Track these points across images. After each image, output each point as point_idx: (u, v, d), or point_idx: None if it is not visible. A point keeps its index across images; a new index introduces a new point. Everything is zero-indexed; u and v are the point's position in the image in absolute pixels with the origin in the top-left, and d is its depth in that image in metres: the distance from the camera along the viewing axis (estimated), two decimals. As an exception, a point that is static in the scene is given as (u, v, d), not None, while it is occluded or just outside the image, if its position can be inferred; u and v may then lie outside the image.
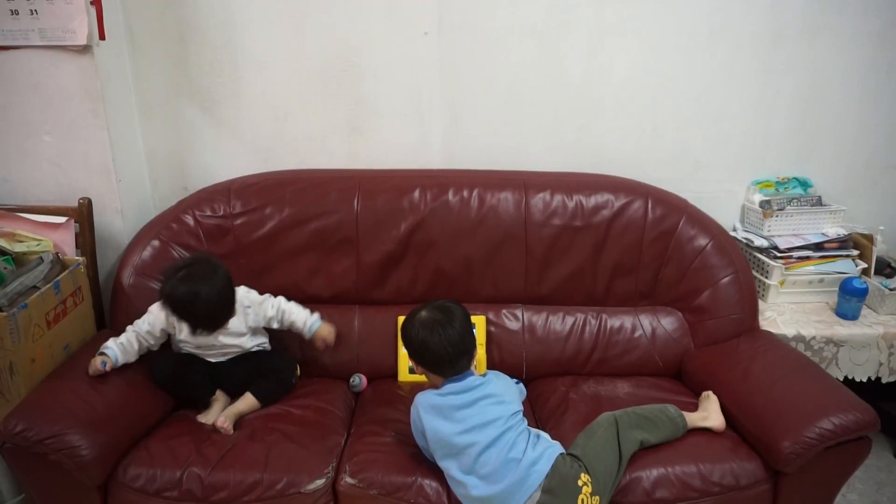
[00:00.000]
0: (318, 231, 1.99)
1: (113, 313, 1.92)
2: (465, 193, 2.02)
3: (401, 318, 1.97)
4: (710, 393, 1.70)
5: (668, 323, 2.03)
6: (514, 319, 2.03)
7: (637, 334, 2.02)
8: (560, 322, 2.03)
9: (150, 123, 2.12)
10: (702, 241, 2.01)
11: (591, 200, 2.03)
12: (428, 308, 1.61)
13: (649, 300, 2.06)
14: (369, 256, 2.00)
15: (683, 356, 1.99)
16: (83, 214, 1.89)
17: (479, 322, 2.00)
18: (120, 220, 2.02)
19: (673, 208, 2.04)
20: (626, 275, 2.04)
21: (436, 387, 1.60)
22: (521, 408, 1.58)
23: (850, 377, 2.00)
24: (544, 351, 2.00)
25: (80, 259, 1.82)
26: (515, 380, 1.76)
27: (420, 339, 1.56)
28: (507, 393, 1.58)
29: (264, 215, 1.99)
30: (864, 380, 2.00)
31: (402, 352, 1.98)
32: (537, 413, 1.81)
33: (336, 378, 1.97)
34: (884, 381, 2.02)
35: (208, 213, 2.00)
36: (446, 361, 1.57)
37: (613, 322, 2.04)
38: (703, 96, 2.15)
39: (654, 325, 2.03)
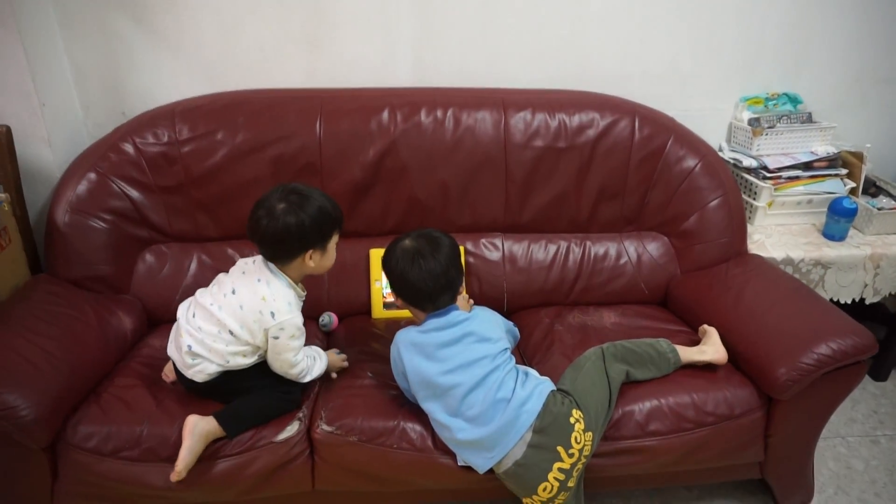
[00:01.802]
0: (276, 158, 1.79)
1: (48, 256, 1.71)
2: (439, 114, 1.84)
3: (373, 252, 1.84)
4: (708, 326, 1.62)
5: (653, 249, 1.93)
6: (494, 249, 1.91)
7: (622, 261, 1.92)
8: (542, 250, 1.92)
9: (75, 38, 1.84)
10: (690, 162, 1.89)
11: (575, 119, 1.88)
12: (412, 236, 1.46)
13: (634, 225, 1.95)
14: (335, 185, 1.82)
15: (669, 283, 1.91)
16: (2, 145, 1.65)
17: (456, 253, 1.86)
18: (48, 151, 1.78)
19: (661, 128, 1.91)
20: (611, 199, 1.92)
21: (417, 323, 1.48)
22: (509, 345, 1.48)
23: (834, 299, 1.96)
24: (526, 281, 1.89)
25: (2, 196, 1.60)
26: (507, 321, 1.64)
27: (399, 271, 1.43)
28: (493, 330, 1.47)
29: (215, 141, 1.78)
30: (849, 301, 1.97)
31: (376, 287, 1.84)
32: (522, 348, 1.72)
33: (304, 318, 1.82)
34: (867, 301, 1.98)
35: (151, 140, 1.77)
36: (425, 295, 1.44)
37: (598, 249, 1.93)
38: (692, 4, 1.98)
39: (639, 251, 1.93)
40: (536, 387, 1.40)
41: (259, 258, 1.48)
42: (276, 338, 1.41)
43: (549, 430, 1.34)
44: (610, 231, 1.96)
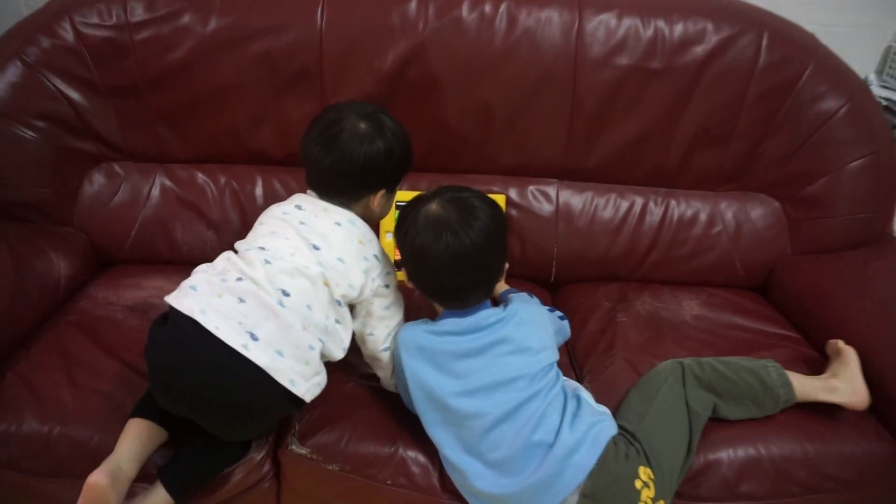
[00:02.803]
0: (262, 56, 1.32)
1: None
2: (488, 8, 1.32)
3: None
4: (844, 346, 1.14)
5: (759, 216, 1.44)
6: (546, 200, 1.44)
7: (715, 229, 1.44)
8: (610, 206, 1.44)
9: None
10: (831, 103, 1.35)
11: (678, 30, 1.33)
12: (442, 198, 1.02)
13: (737, 183, 1.45)
14: (339, 98, 1.32)
15: (776, 265, 1.43)
16: None
17: (496, 201, 1.40)
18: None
19: (797, 50, 1.36)
20: (712, 145, 1.41)
21: (430, 314, 1.07)
22: (557, 356, 1.05)
23: None
24: (584, 247, 1.44)
25: None
26: (553, 310, 1.21)
27: (418, 246, 0.99)
28: (536, 335, 1.04)
29: (180, 27, 1.30)
30: None
31: (386, 240, 1.41)
32: (572, 343, 1.29)
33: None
34: None
35: (95, 20, 1.30)
36: (448, 289, 1.02)
37: (684, 210, 1.45)
38: None
39: (739, 218, 1.44)
40: (591, 429, 0.98)
41: (309, 196, 1.08)
42: (385, 287, 1.06)
43: (603, 496, 0.94)
44: (703, 188, 1.46)
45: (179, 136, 1.38)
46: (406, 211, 1.04)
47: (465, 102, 1.36)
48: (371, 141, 1.03)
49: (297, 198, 1.09)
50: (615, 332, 1.28)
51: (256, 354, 0.90)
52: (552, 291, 1.47)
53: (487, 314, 1.02)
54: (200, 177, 1.42)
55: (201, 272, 1.01)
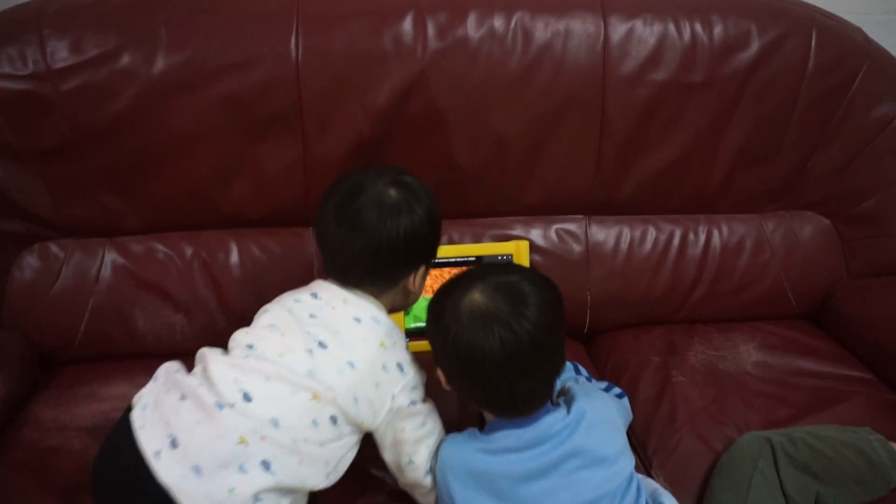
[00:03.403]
0: (225, 99, 1.06)
1: None
2: (498, 23, 1.10)
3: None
4: None
5: (809, 237, 1.29)
6: (574, 240, 1.24)
7: (763, 256, 1.27)
8: (647, 241, 1.26)
9: None
10: (888, 107, 1.20)
11: (719, 34, 1.14)
12: (485, 283, 0.80)
13: (784, 201, 1.29)
14: (326, 143, 1.11)
15: (831, 291, 1.28)
16: None
17: (518, 250, 1.20)
18: None
19: (850, 48, 1.19)
20: (755, 162, 1.23)
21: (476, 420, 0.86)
22: (633, 459, 0.86)
23: None
24: (621, 290, 1.25)
25: None
26: (611, 387, 1.02)
27: (465, 347, 0.78)
28: (611, 437, 0.85)
29: (118, 70, 1.03)
30: None
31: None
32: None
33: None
34: None
35: (5, 69, 1.02)
36: (505, 396, 0.81)
37: (728, 237, 1.28)
38: None
39: (788, 240, 1.28)
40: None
41: (329, 283, 0.87)
42: (414, 404, 0.83)
43: None
44: (746, 210, 1.29)
45: (129, 203, 1.12)
46: (440, 303, 0.82)
47: (476, 136, 1.14)
48: (409, 210, 0.84)
49: (316, 284, 0.88)
50: (674, 395, 1.10)
51: (165, 465, 0.70)
52: (586, 343, 1.29)
53: (551, 421, 0.82)
54: (160, 249, 1.16)
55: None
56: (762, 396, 1.10)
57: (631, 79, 1.13)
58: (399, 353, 0.84)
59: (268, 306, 0.88)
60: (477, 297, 0.79)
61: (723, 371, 1.16)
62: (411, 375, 0.84)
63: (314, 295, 0.86)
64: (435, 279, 1.16)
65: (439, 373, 0.85)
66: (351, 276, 0.86)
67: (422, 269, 0.90)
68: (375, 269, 0.85)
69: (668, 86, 1.14)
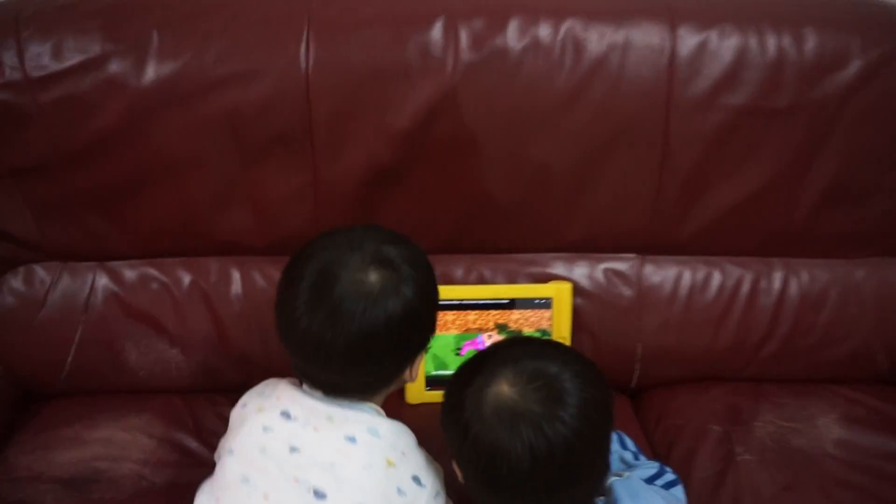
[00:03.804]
0: (225, 116, 0.93)
1: None
2: (543, 32, 0.92)
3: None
4: None
5: (905, 288, 1.08)
6: (624, 283, 1.07)
7: (850, 311, 1.08)
8: (711, 286, 1.07)
9: None
10: None
11: (812, 50, 0.94)
12: (515, 370, 0.65)
13: (878, 247, 1.08)
14: (339, 169, 0.96)
15: (931, 353, 1.07)
16: None
17: (559, 295, 1.04)
18: None
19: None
20: (848, 201, 1.03)
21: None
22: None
23: None
24: (678, 341, 1.07)
25: None
26: (662, 471, 0.85)
27: (488, 446, 0.63)
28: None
29: (104, 80, 0.91)
30: None
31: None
32: None
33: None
34: None
35: (-21, 75, 0.91)
36: None
37: (809, 286, 1.08)
38: None
39: (882, 291, 1.08)
40: None
41: (300, 394, 0.72)
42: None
43: None
44: (832, 255, 1.09)
45: (119, 227, 1.00)
46: (458, 392, 0.67)
47: (514, 165, 0.98)
48: (395, 292, 0.67)
49: (285, 394, 0.72)
50: (738, 478, 0.93)
51: None
52: (633, 398, 1.12)
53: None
54: (155, 276, 1.04)
55: None
56: (846, 487, 0.92)
57: (701, 102, 0.94)
58: (412, 462, 0.69)
59: (231, 442, 0.71)
60: (505, 389, 0.64)
61: (797, 450, 0.98)
62: (430, 483, 0.69)
63: (286, 415, 0.69)
64: (460, 320, 1.02)
65: (455, 467, 0.70)
66: (333, 381, 0.70)
67: (419, 357, 0.74)
68: (366, 368, 0.69)
69: (745, 111, 0.95)
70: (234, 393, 1.05)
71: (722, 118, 0.95)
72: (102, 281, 1.04)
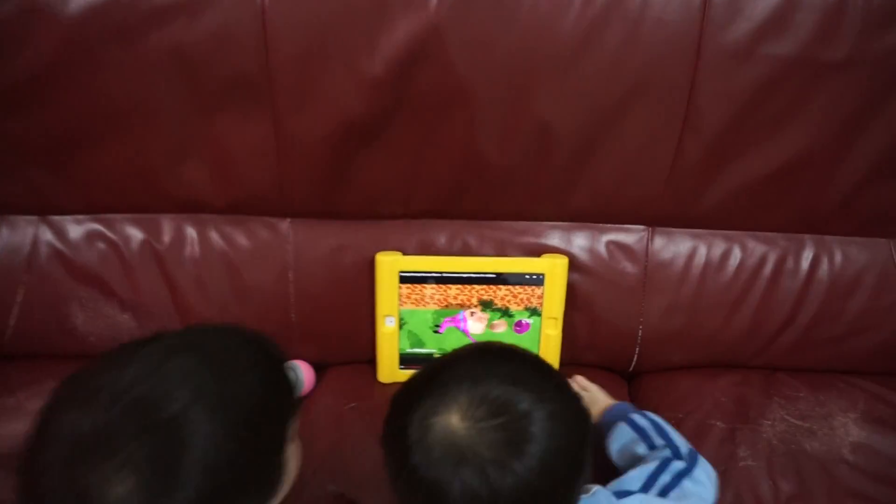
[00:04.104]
0: (170, 54, 0.79)
1: None
2: (552, -39, 0.76)
3: (382, 259, 0.91)
4: None
5: (954, 275, 0.95)
6: (628, 258, 0.95)
7: (887, 298, 0.95)
8: (729, 265, 0.95)
9: None
10: None
11: (881, -10, 0.77)
12: (475, 393, 0.54)
13: (925, 226, 0.94)
14: (305, 122, 0.83)
15: (974, 349, 0.95)
16: None
17: (553, 270, 0.92)
18: None
19: None
20: (899, 174, 0.88)
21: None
22: None
23: None
24: (686, 324, 0.96)
25: None
26: (664, 470, 0.74)
27: (428, 484, 0.53)
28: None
29: (27, 10, 0.76)
30: None
31: (386, 328, 0.94)
32: None
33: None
34: None
35: None
36: None
37: (842, 268, 0.95)
38: None
39: (926, 276, 0.95)
40: None
41: None
42: None
43: None
44: (870, 233, 0.95)
45: (63, 180, 0.88)
46: (404, 413, 0.56)
47: (510, 122, 0.83)
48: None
49: None
50: (738, 486, 0.84)
51: None
52: (631, 383, 1.02)
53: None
54: (102, 233, 0.93)
55: None
56: (860, 499, 0.82)
57: (738, 51, 0.78)
58: None
59: None
60: (454, 421, 0.53)
61: (809, 454, 0.88)
62: None
63: None
64: (439, 294, 0.91)
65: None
66: None
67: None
68: None
69: (791, 63, 0.79)
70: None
71: (762, 71, 0.79)
72: (46, 237, 0.93)
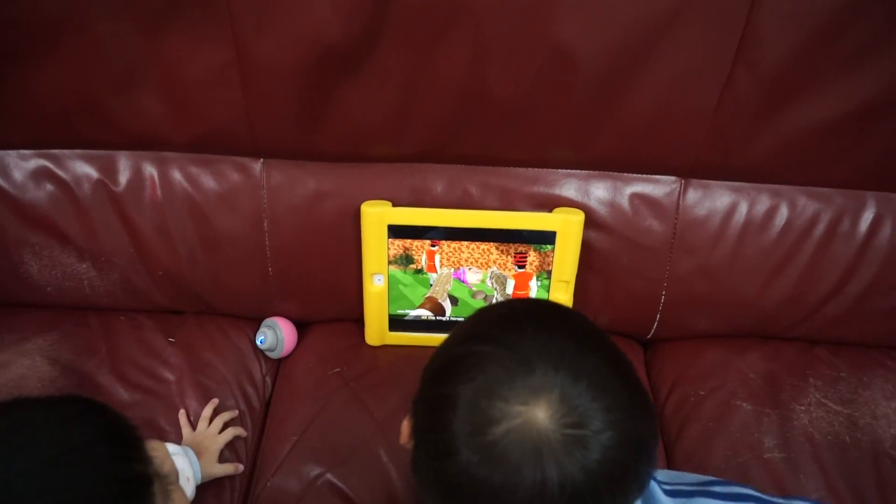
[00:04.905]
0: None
1: None
2: None
3: (367, 210, 0.79)
4: None
5: None
6: (655, 215, 0.81)
7: (956, 268, 0.81)
8: (774, 224, 0.81)
9: None
10: None
11: None
12: (557, 373, 0.41)
13: None
14: (271, 45, 0.68)
15: None
16: None
17: (566, 228, 0.79)
18: None
19: None
20: None
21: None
22: None
23: None
24: (716, 290, 0.84)
25: None
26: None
27: (490, 488, 0.41)
28: None
29: None
30: None
31: (375, 286, 0.83)
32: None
33: (232, 327, 0.88)
34: None
35: None
36: None
37: (904, 228, 0.81)
38: None
39: None
40: None
41: None
42: None
43: None
44: (950, 191, 0.80)
45: (2, 110, 0.76)
46: (458, 390, 0.43)
47: (522, 45, 0.68)
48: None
49: None
50: (760, 483, 0.74)
51: None
52: (647, 351, 0.91)
53: None
54: (51, 171, 0.81)
55: None
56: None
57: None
58: None
59: None
60: (542, 418, 0.41)
61: (848, 446, 0.78)
62: None
63: None
64: (438, 255, 0.79)
65: (405, 429, 0.50)
66: None
67: None
68: None
69: (869, -9, 0.62)
70: (161, 314, 0.89)
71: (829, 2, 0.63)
72: (-6, 173, 0.81)
